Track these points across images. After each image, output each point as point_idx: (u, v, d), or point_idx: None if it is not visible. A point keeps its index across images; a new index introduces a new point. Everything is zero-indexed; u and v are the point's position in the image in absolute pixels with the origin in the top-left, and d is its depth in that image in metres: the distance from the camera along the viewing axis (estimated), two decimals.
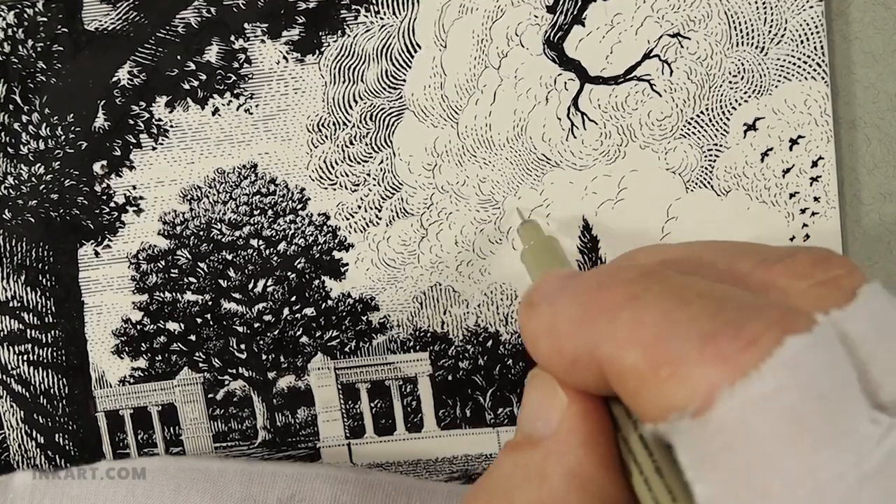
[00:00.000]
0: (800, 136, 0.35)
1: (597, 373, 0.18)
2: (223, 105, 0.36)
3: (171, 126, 0.36)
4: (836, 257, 0.19)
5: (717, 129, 0.36)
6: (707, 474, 0.15)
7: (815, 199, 0.36)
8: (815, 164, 0.36)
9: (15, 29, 0.35)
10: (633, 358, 0.17)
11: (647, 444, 0.18)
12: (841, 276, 0.18)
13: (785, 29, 0.35)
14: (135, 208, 0.37)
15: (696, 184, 0.36)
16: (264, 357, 0.38)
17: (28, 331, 0.37)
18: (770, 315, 0.16)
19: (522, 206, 0.36)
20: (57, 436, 0.38)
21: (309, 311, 0.37)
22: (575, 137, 0.36)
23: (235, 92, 0.36)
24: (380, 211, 0.36)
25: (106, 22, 0.35)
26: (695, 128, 0.36)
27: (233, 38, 0.35)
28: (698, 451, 0.16)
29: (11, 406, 0.38)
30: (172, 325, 0.37)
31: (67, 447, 0.38)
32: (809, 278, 0.18)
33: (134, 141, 0.36)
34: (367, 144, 0.36)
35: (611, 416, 0.19)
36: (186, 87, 0.36)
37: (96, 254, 0.37)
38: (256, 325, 0.38)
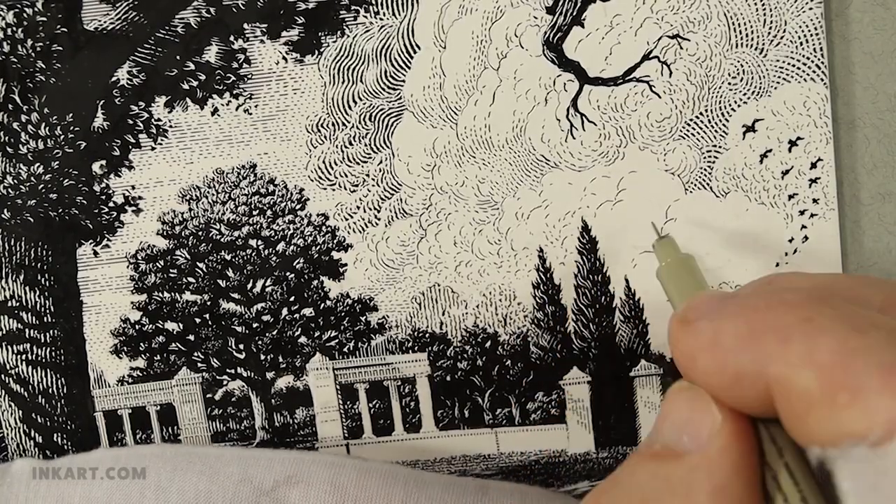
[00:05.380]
0: (799, 138, 0.35)
1: (761, 391, 0.18)
2: (222, 105, 0.36)
3: (171, 126, 0.36)
4: None
5: (716, 131, 0.36)
6: None
7: (815, 200, 0.36)
8: (814, 165, 0.36)
9: (14, 28, 0.35)
10: (806, 380, 0.17)
11: (793, 473, 0.18)
12: None
13: (784, 30, 0.35)
14: (134, 208, 0.37)
15: (695, 185, 0.36)
16: (263, 357, 0.38)
17: (27, 330, 0.37)
18: None
19: (657, 221, 0.35)
20: (55, 435, 0.38)
21: (307, 311, 0.37)
22: (574, 138, 0.36)
23: (235, 92, 0.36)
24: (379, 211, 0.36)
25: (105, 22, 0.35)
26: (694, 129, 0.36)
27: (232, 38, 0.35)
28: (869, 480, 0.16)
29: (10, 405, 0.38)
30: (171, 325, 0.37)
31: (66, 446, 0.38)
32: None
33: (133, 141, 0.36)
34: (366, 145, 0.36)
35: (757, 440, 0.19)
36: (186, 87, 0.36)
37: (95, 253, 0.37)
38: (255, 325, 0.38)
